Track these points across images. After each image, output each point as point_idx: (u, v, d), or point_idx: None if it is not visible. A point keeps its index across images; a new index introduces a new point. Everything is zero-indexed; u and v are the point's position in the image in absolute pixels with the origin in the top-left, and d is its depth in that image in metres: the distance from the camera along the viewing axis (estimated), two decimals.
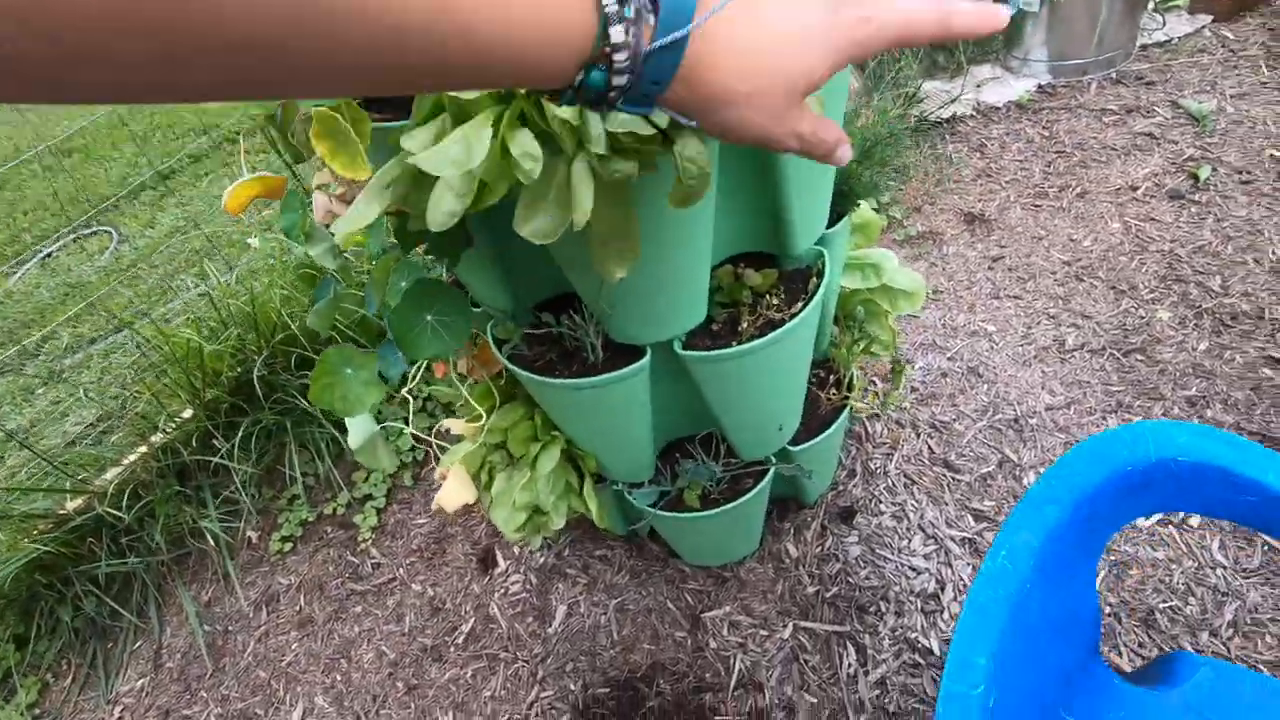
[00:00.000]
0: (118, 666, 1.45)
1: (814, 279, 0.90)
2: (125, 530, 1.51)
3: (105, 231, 3.07)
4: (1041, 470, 1.24)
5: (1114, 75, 2.10)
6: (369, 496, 1.61)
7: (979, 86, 2.18)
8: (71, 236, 3.06)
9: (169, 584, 1.56)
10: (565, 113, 0.49)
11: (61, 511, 1.51)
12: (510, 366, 0.85)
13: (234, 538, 1.58)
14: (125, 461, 1.60)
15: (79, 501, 1.53)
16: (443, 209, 0.54)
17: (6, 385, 2.29)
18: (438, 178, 0.53)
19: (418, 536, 1.52)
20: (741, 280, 0.86)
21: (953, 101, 2.05)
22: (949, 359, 1.51)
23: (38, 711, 1.41)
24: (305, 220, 0.85)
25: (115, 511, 1.46)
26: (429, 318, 0.73)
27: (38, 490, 1.46)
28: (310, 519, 1.61)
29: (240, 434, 1.55)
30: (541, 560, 1.37)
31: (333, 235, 0.89)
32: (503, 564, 1.40)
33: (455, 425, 1.09)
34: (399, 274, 0.80)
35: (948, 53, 2.16)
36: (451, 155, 0.46)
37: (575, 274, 0.76)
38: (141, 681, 1.42)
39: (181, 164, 3.30)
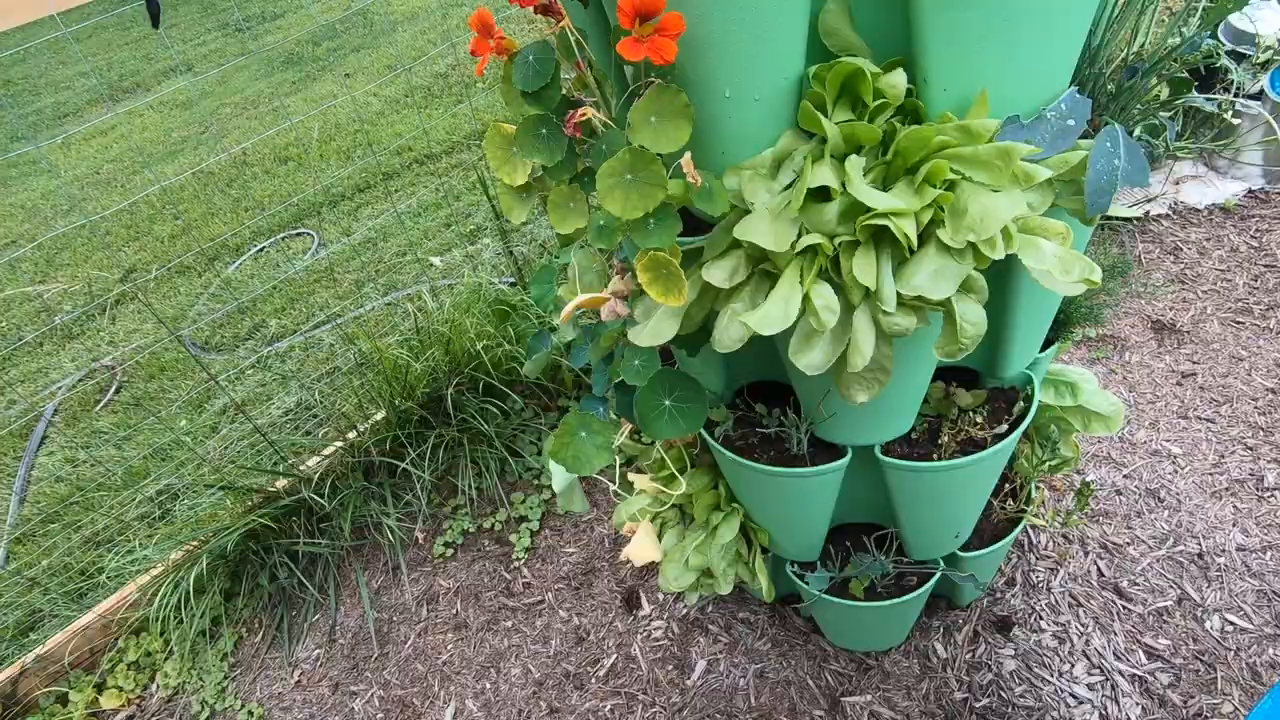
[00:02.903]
0: (299, 635, 1.65)
1: (1020, 402, 0.92)
2: (320, 514, 1.72)
3: (308, 234, 3.47)
4: (1228, 615, 1.17)
5: None
6: (524, 518, 1.74)
7: (1177, 184, 2.08)
8: (281, 236, 3.48)
9: (347, 567, 1.75)
10: (861, 274, 0.56)
11: (271, 489, 1.74)
12: (717, 448, 0.93)
13: (406, 536, 1.76)
14: (325, 452, 1.82)
15: (285, 482, 1.75)
16: (732, 335, 0.62)
17: (223, 364, 2.65)
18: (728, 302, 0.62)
19: (567, 564, 1.63)
20: (951, 398, 0.90)
21: (1150, 200, 1.96)
22: (1125, 476, 1.45)
23: (233, 660, 1.63)
24: (555, 295, 0.97)
25: (318, 498, 1.67)
26: (668, 402, 0.82)
27: (261, 471, 1.69)
28: (471, 530, 1.76)
29: (426, 445, 1.72)
30: (685, 611, 1.44)
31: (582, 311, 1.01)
32: (647, 607, 1.48)
33: (640, 481, 1.18)
34: (634, 354, 0.90)
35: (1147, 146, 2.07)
36: (774, 316, 0.54)
37: (804, 385, 0.83)
38: (318, 652, 1.61)
39: (376, 179, 3.69)
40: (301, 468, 1.78)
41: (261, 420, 2.23)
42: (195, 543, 1.65)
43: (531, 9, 0.52)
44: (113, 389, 2.70)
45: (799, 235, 0.58)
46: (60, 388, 2.79)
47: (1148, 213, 2.01)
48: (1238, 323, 1.70)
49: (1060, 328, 0.94)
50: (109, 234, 3.83)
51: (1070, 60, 0.59)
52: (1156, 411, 1.56)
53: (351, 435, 1.83)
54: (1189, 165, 2.14)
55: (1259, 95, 1.92)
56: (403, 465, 1.73)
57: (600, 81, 0.60)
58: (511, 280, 2.36)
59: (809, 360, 0.62)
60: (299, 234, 3.47)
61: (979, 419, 0.90)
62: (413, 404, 1.75)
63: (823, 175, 0.53)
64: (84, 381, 2.81)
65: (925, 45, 0.55)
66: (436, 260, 2.82)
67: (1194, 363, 1.64)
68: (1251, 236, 1.90)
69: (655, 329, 0.64)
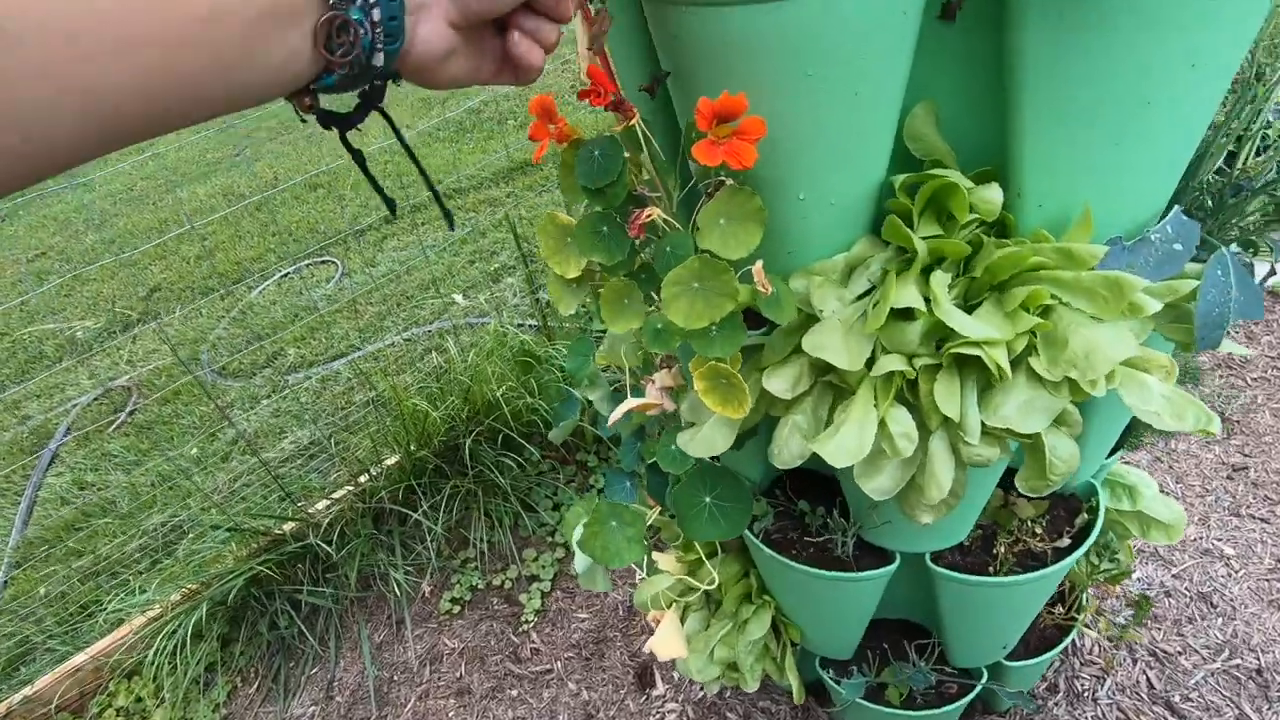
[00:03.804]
0: (296, 688, 1.58)
1: (1084, 514, 0.86)
2: (327, 563, 1.66)
3: (332, 262, 3.48)
4: None
5: None
6: (535, 578, 1.68)
7: None
8: (306, 263, 3.49)
9: (349, 618, 1.69)
10: (943, 403, 0.51)
11: (278, 532, 1.69)
12: (756, 544, 0.87)
13: (412, 589, 1.70)
14: (335, 496, 1.77)
15: (293, 526, 1.70)
16: (792, 451, 0.57)
17: (238, 391, 2.62)
18: (787, 417, 0.57)
19: (578, 631, 1.56)
20: (1010, 508, 0.84)
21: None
22: (1174, 576, 1.37)
23: (225, 712, 1.56)
24: (590, 367, 0.93)
25: (325, 545, 1.62)
26: (708, 499, 0.77)
27: (269, 516, 1.64)
28: (480, 585, 1.69)
29: (440, 496, 1.67)
30: (702, 694, 1.36)
31: (613, 386, 0.96)
32: (661, 687, 1.40)
33: (665, 560, 1.12)
34: (674, 439, 0.85)
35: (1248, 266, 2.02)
36: (849, 447, 0.49)
37: (854, 489, 0.78)
38: (314, 709, 1.54)
39: (404, 211, 3.70)
40: (310, 510, 1.73)
41: (273, 455, 2.19)
42: (197, 585, 1.60)
43: (604, 108, 0.48)
44: (127, 410, 2.68)
45: (874, 353, 0.53)
46: (75, 405, 2.78)
47: None
48: None
49: (1128, 434, 0.88)
50: (136, 251, 3.86)
51: (1176, 177, 0.55)
52: (1206, 506, 1.48)
53: (364, 479, 1.79)
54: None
55: None
56: (415, 516, 1.67)
57: (664, 174, 0.56)
58: (536, 325, 2.33)
59: (876, 485, 0.56)
60: (324, 261, 3.48)
61: (1038, 529, 0.84)
62: (428, 452, 1.71)
63: (908, 296, 0.49)
64: (99, 401, 2.79)
65: (1022, 159, 0.51)
66: (459, 298, 2.80)
67: (1245, 455, 1.56)
68: None
69: (709, 439, 0.59)
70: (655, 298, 0.55)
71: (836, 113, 0.49)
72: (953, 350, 0.49)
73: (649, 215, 0.51)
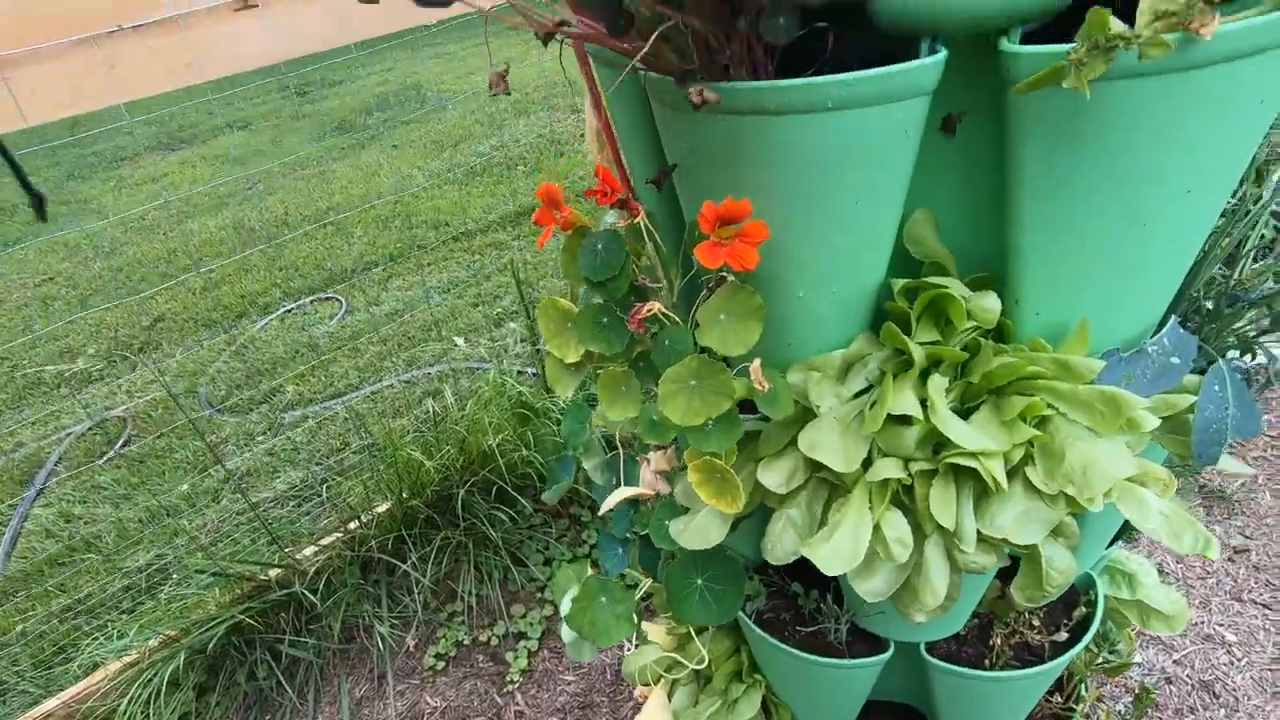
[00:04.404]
0: None
1: (1082, 607, 0.84)
2: (310, 612, 1.63)
3: (336, 299, 3.49)
4: None
5: None
6: (523, 635, 1.64)
7: None
8: (310, 299, 3.51)
9: (331, 670, 1.64)
10: (939, 512, 0.50)
11: (263, 578, 1.66)
12: (749, 624, 0.86)
13: (396, 642, 1.66)
14: (324, 543, 1.75)
15: (278, 572, 1.67)
16: (785, 548, 0.57)
17: (234, 427, 2.61)
18: (781, 506, 0.57)
19: (564, 694, 1.52)
20: (1006, 600, 0.82)
21: None
22: (1175, 662, 1.34)
23: None
24: (587, 434, 0.93)
25: (310, 594, 1.58)
26: (700, 581, 0.75)
27: (254, 563, 1.62)
28: (466, 641, 1.65)
29: (430, 547, 1.65)
30: None
31: (609, 454, 0.96)
32: None
33: (654, 631, 1.10)
34: (666, 511, 0.84)
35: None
36: (843, 553, 0.48)
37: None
38: None
39: (410, 251, 3.74)
40: (298, 556, 1.70)
41: (264, 495, 2.17)
42: (177, 632, 1.56)
43: (610, 206, 0.49)
44: (120, 442, 2.67)
45: (870, 454, 0.53)
46: (70, 434, 2.76)
47: None
48: None
49: (1128, 525, 0.87)
50: (143, 280, 3.89)
51: (1173, 289, 0.55)
52: (1208, 589, 1.46)
53: (354, 525, 1.76)
54: None
55: None
56: (403, 567, 1.65)
57: (667, 266, 0.57)
58: (535, 372, 2.33)
59: (870, 587, 0.55)
60: (328, 298, 3.50)
61: (1035, 621, 0.82)
62: (420, 502, 1.69)
63: (906, 403, 0.49)
64: (93, 431, 2.78)
65: (1020, 270, 0.52)
66: (460, 341, 2.81)
67: (1246, 537, 1.55)
68: None
69: (703, 529, 0.59)
70: (653, 387, 0.55)
71: (838, 220, 0.50)
72: (948, 460, 0.49)
73: (649, 310, 0.52)
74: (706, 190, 0.54)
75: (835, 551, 0.49)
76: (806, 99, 0.43)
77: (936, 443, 0.52)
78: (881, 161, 0.47)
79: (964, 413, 0.54)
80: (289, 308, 3.43)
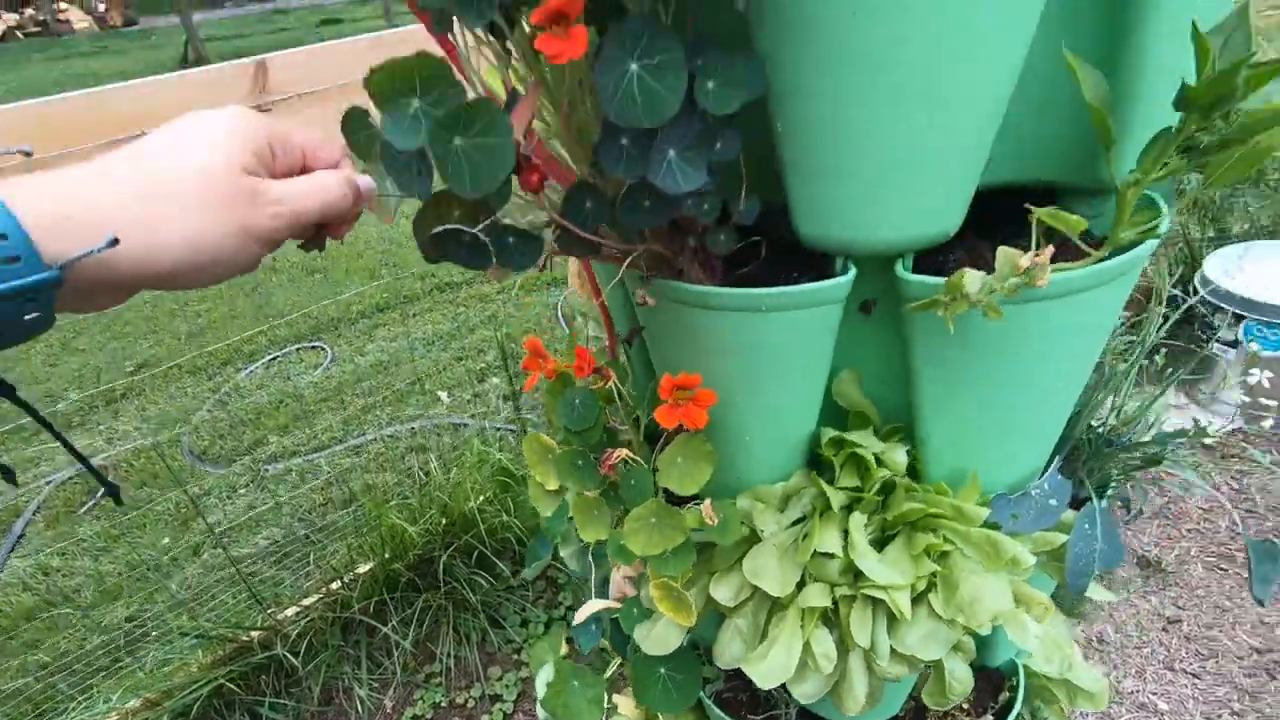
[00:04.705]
0: None
1: (1006, 691, 0.94)
2: (291, 675, 1.67)
3: (321, 348, 3.56)
4: None
5: None
6: (499, 697, 1.69)
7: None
8: (296, 346, 3.57)
9: None
10: (857, 634, 0.60)
11: (244, 639, 1.70)
12: (709, 703, 0.94)
13: (374, 705, 1.70)
14: (305, 603, 1.79)
15: (260, 633, 1.72)
16: (732, 653, 0.66)
17: (216, 480, 2.65)
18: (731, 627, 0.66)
19: None
20: None
21: (1154, 398, 2.04)
22: None
23: None
24: (564, 526, 1.01)
25: (292, 657, 1.63)
26: (663, 671, 0.84)
27: (236, 627, 1.66)
28: (443, 704, 1.70)
29: (411, 610, 1.70)
30: None
31: (584, 543, 1.05)
32: None
33: (624, 703, 1.17)
34: (634, 605, 0.93)
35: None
36: (777, 668, 0.58)
37: None
38: None
39: (397, 301, 3.83)
40: (280, 617, 1.75)
41: (246, 551, 2.21)
42: (158, 695, 1.59)
43: (588, 375, 0.59)
44: (100, 492, 2.68)
45: (804, 578, 0.63)
46: (49, 482, 2.77)
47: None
48: (1221, 569, 1.73)
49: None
50: (127, 325, 3.92)
51: (1053, 440, 0.66)
52: (1144, 658, 1.56)
53: (336, 585, 1.82)
54: (1173, 394, 2.25)
55: (1234, 343, 2.05)
56: (384, 630, 1.70)
57: (636, 409, 0.67)
58: (514, 428, 2.41)
59: (803, 691, 0.64)
60: (314, 346, 3.56)
61: (965, 704, 0.92)
62: (402, 565, 1.75)
63: (830, 542, 0.59)
64: (73, 480, 2.79)
65: (924, 426, 0.62)
66: (444, 395, 2.88)
67: (1179, 607, 1.66)
68: (1232, 477, 1.97)
69: (663, 637, 0.68)
70: (622, 516, 0.65)
71: (773, 385, 0.60)
72: (863, 591, 0.59)
73: (618, 456, 0.61)
74: (666, 353, 0.65)
75: (770, 668, 0.58)
76: (745, 302, 0.54)
77: (857, 571, 0.62)
78: (809, 346, 0.58)
79: (884, 540, 0.64)
80: (274, 355, 3.49)
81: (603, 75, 0.40)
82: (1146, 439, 0.72)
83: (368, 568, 1.82)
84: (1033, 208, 0.48)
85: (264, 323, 3.75)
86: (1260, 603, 0.62)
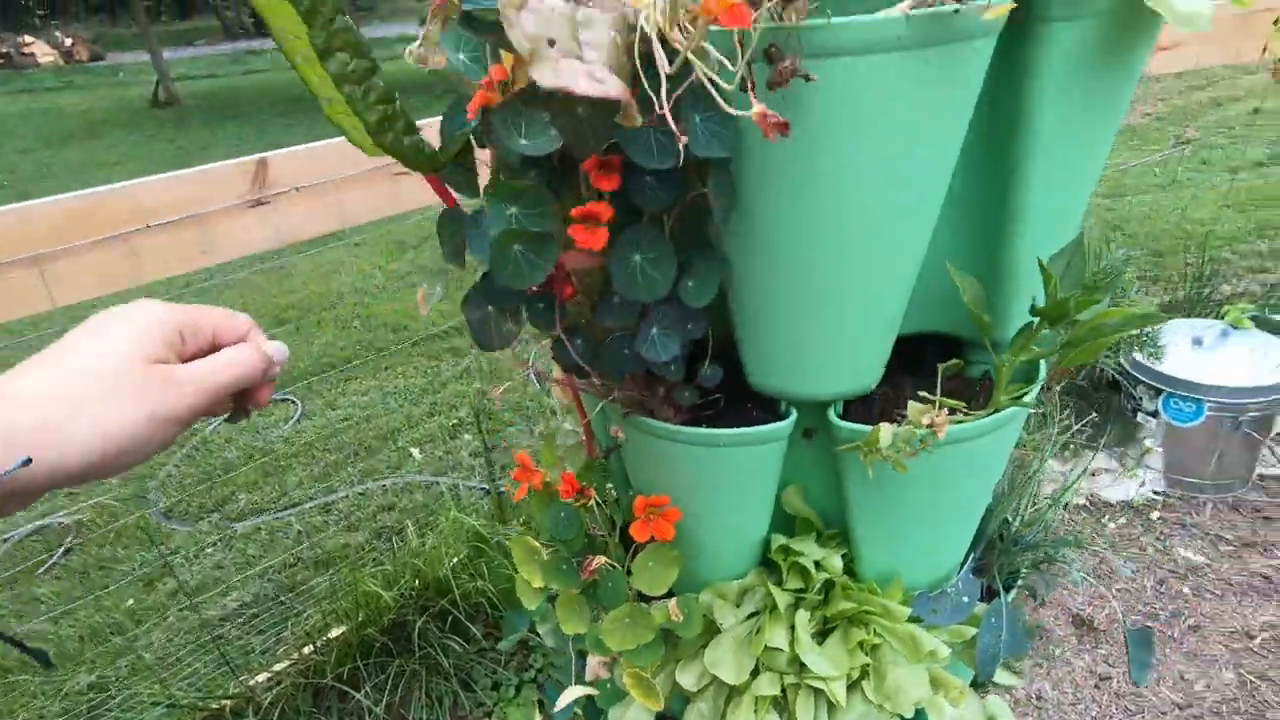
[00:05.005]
0: None
1: None
2: None
3: (291, 401, 3.57)
4: None
5: (1230, 501, 2.22)
6: None
7: (1093, 475, 2.35)
8: None
9: None
10: (802, 717, 0.70)
11: (214, 707, 1.72)
12: None
13: None
14: (277, 668, 1.82)
15: (230, 701, 1.73)
16: None
17: (184, 537, 2.64)
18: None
19: None
20: None
21: (1065, 489, 2.21)
22: None
23: None
24: (543, 605, 1.10)
25: None
26: None
27: (207, 695, 1.68)
28: None
29: (385, 675, 1.74)
30: None
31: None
32: None
33: None
34: (606, 684, 1.01)
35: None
36: None
37: None
38: None
39: (370, 354, 3.87)
40: (251, 683, 1.77)
41: (214, 612, 2.21)
42: None
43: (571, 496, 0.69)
44: (61, 550, 2.65)
45: (758, 666, 0.73)
46: (8, 540, 2.72)
47: (1067, 505, 2.25)
48: (1146, 627, 1.87)
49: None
50: None
51: (967, 542, 0.78)
52: (1078, 714, 1.68)
53: (308, 649, 1.84)
54: (1103, 457, 2.43)
55: (1155, 413, 2.24)
56: (357, 696, 1.73)
57: (614, 516, 0.77)
58: (485, 488, 2.47)
59: None
60: (284, 399, 3.58)
61: None
62: (375, 630, 1.79)
63: (778, 638, 0.69)
64: (32, 537, 2.75)
65: (856, 534, 0.74)
66: (416, 452, 2.93)
67: (1110, 665, 1.79)
68: (1157, 538, 2.13)
69: (635, 718, 0.77)
70: (600, 612, 0.74)
71: (730, 502, 0.71)
72: (806, 682, 0.69)
73: (598, 563, 0.71)
74: (639, 471, 0.76)
75: None
76: (706, 439, 0.65)
77: (802, 663, 0.72)
78: (759, 471, 0.69)
79: (826, 632, 0.75)
80: None
81: (616, 262, 0.52)
82: (1044, 540, 0.84)
83: (340, 632, 1.85)
84: (940, 365, 0.61)
85: None
86: (1136, 684, 0.73)
